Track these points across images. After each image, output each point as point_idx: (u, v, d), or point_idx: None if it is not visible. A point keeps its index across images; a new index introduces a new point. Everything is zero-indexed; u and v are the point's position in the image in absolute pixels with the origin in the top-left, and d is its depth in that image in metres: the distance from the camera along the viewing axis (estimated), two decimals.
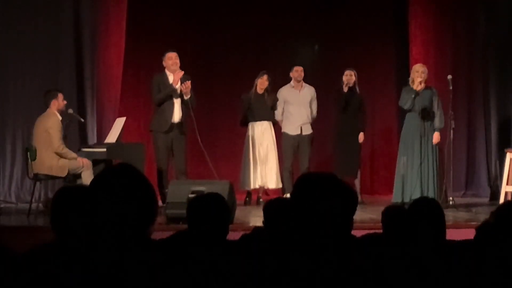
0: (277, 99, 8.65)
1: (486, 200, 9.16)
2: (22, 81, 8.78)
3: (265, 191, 8.85)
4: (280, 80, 8.97)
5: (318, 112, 8.75)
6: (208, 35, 10.12)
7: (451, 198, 8.04)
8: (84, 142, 8.66)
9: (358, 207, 2.61)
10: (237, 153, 8.90)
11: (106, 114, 9.09)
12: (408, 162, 7.84)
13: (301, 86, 8.67)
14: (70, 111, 7.84)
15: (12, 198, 8.67)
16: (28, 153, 7.43)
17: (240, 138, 8.82)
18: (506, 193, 8.25)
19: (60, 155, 7.33)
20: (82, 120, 8.40)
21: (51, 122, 7.35)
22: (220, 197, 3.26)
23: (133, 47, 9.60)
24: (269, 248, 2.72)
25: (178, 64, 7.81)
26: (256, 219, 6.89)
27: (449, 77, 8.11)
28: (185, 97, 7.78)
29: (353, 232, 2.60)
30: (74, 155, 7.41)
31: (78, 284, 2.05)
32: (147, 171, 8.05)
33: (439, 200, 7.35)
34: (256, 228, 3.74)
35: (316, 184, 2.45)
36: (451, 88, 8.01)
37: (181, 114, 7.85)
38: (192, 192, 6.42)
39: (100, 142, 8.40)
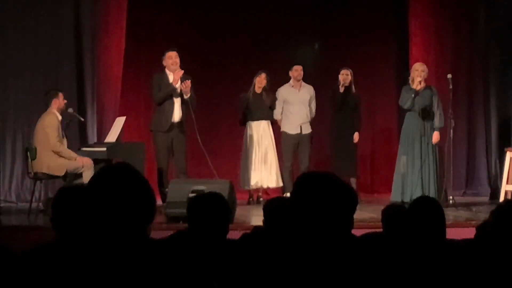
0: (275, 98, 8.65)
1: (486, 199, 9.17)
2: (22, 81, 8.78)
3: (265, 190, 8.85)
4: (279, 79, 8.96)
5: (317, 111, 8.76)
6: (208, 34, 10.12)
7: (451, 197, 8.04)
8: (84, 141, 8.66)
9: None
10: (237, 152, 8.91)
11: (106, 114, 9.09)
12: (409, 161, 7.84)
13: (300, 86, 8.68)
14: (70, 110, 7.84)
15: (12, 198, 8.67)
16: (28, 152, 7.43)
17: (240, 137, 8.83)
18: (506, 192, 8.27)
19: (57, 154, 7.32)
20: (82, 119, 8.40)
21: (47, 120, 7.35)
22: (220, 197, 3.26)
23: (133, 46, 9.60)
24: (269, 248, 2.72)
25: (178, 63, 7.80)
26: (257, 218, 6.89)
27: (449, 76, 8.11)
28: (185, 96, 7.77)
29: (353, 231, 2.60)
30: (73, 154, 7.40)
31: (77, 283, 2.05)
32: (147, 170, 8.05)
33: (439, 199, 7.35)
34: (257, 228, 3.74)
35: (316, 183, 2.45)
36: (451, 87, 8.01)
37: (181, 114, 7.85)
38: (192, 192, 6.43)
39: (100, 142, 8.40)
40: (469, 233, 3.25)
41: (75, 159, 7.37)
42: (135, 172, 2.21)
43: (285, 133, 8.63)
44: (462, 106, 9.49)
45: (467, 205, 8.23)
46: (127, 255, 2.09)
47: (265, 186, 8.65)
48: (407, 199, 7.64)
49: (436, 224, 3.05)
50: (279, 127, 8.77)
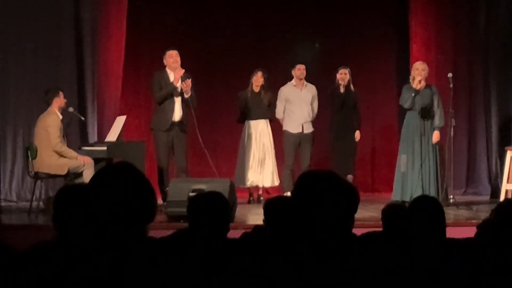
0: (273, 96, 8.65)
1: (486, 198, 9.16)
2: (22, 80, 8.78)
3: (266, 189, 8.85)
4: (280, 78, 8.97)
5: (318, 110, 8.75)
6: (208, 33, 10.11)
7: (451, 196, 8.04)
8: (84, 140, 8.66)
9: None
10: (237, 151, 8.90)
11: (107, 113, 9.09)
12: (409, 160, 7.83)
13: (303, 85, 8.67)
14: (71, 109, 7.85)
15: (12, 197, 8.67)
16: (29, 151, 7.43)
17: (240, 136, 8.82)
18: (506, 191, 8.26)
19: (59, 154, 7.33)
20: (83, 118, 8.40)
21: (49, 120, 7.35)
22: (221, 195, 3.26)
23: (134, 45, 9.60)
24: (270, 247, 2.73)
25: (179, 62, 7.80)
26: (257, 217, 6.89)
27: (450, 75, 8.10)
28: (186, 95, 7.77)
29: (354, 231, 2.59)
30: (74, 153, 7.40)
31: (77, 282, 2.05)
32: (148, 169, 8.05)
33: (440, 199, 7.35)
34: (257, 227, 3.74)
35: (317, 182, 2.44)
36: (451, 86, 8.00)
37: (181, 113, 7.85)
38: (193, 191, 6.43)
39: (100, 141, 8.40)
40: (469, 232, 3.25)
41: (76, 158, 7.37)
42: (136, 171, 2.21)
43: (287, 132, 8.63)
44: (463, 105, 9.49)
45: (468, 204, 8.22)
46: (128, 254, 2.09)
47: (260, 185, 8.65)
48: (407, 198, 7.65)
49: (436, 223, 3.05)
50: (279, 126, 8.76)
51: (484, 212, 7.16)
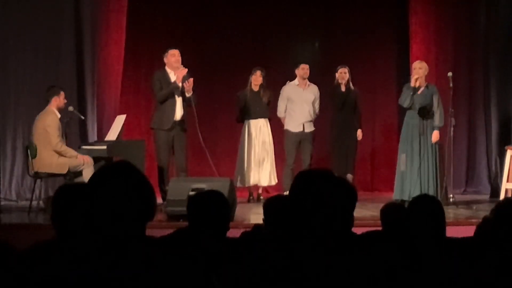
0: (272, 94, 8.65)
1: (486, 197, 9.16)
2: (22, 79, 8.78)
3: (265, 188, 8.85)
4: (280, 77, 8.97)
5: (318, 110, 8.75)
6: (208, 33, 10.11)
7: (451, 195, 8.05)
8: (84, 139, 8.66)
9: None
10: (237, 151, 8.90)
11: (107, 112, 9.09)
12: (408, 160, 7.83)
13: (306, 84, 8.66)
14: (71, 108, 7.85)
15: (12, 196, 8.67)
16: (29, 150, 7.43)
17: (240, 136, 8.82)
18: (506, 190, 8.27)
19: (59, 153, 7.33)
20: (83, 117, 8.40)
21: (48, 120, 7.34)
22: (220, 195, 3.26)
23: (134, 44, 9.61)
24: (270, 246, 2.72)
25: (180, 61, 7.80)
26: (257, 216, 6.89)
27: (450, 74, 8.10)
28: (187, 95, 7.78)
29: (353, 230, 2.59)
30: (74, 153, 7.40)
31: (77, 281, 2.05)
32: (147, 168, 8.05)
33: (440, 198, 7.35)
34: (257, 226, 3.74)
35: (315, 181, 2.44)
36: (451, 85, 8.00)
37: (182, 112, 7.86)
38: (193, 190, 6.43)
39: (100, 140, 8.41)
40: (469, 231, 3.26)
41: (76, 157, 7.37)
42: (136, 170, 2.21)
43: (288, 131, 8.63)
44: (463, 104, 9.49)
45: (468, 203, 8.23)
46: (127, 253, 2.09)
47: (259, 184, 8.65)
48: (405, 198, 7.66)
49: (436, 222, 3.05)
50: (279, 125, 8.76)
51: (484, 211, 7.16)
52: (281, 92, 8.68)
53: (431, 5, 9.79)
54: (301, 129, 8.57)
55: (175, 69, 7.79)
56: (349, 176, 8.59)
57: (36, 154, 7.33)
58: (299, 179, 2.48)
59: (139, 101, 9.89)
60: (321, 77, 9.02)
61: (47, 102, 7.48)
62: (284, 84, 8.77)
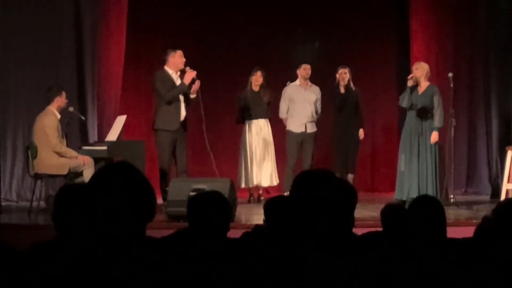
0: (273, 95, 8.65)
1: (487, 197, 9.16)
2: (22, 79, 8.77)
3: (266, 189, 8.85)
4: (280, 77, 8.97)
5: (320, 111, 8.75)
6: (209, 32, 10.12)
7: (452, 196, 8.04)
8: (84, 140, 8.65)
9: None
10: (237, 151, 8.90)
11: (107, 112, 9.09)
12: (407, 160, 7.84)
13: (307, 85, 8.66)
14: (71, 109, 7.84)
15: (13, 196, 8.67)
16: (29, 151, 7.43)
17: (241, 136, 8.82)
18: (507, 190, 8.26)
19: (59, 154, 7.32)
20: (83, 118, 8.39)
21: (47, 121, 7.33)
22: (221, 195, 3.26)
23: (134, 44, 9.60)
24: (270, 246, 2.72)
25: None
26: (257, 217, 6.89)
27: (450, 74, 8.10)
28: (192, 96, 7.79)
29: (354, 230, 2.59)
30: (74, 153, 7.40)
31: (76, 281, 2.05)
32: (148, 169, 8.04)
33: (440, 198, 7.35)
34: (257, 226, 3.74)
35: (315, 181, 2.44)
36: (452, 85, 8.00)
37: (185, 113, 7.87)
38: (193, 190, 6.42)
39: (100, 140, 8.40)
40: (470, 232, 3.24)
41: (77, 158, 7.37)
42: (136, 170, 2.21)
43: (290, 131, 8.63)
44: (463, 104, 9.49)
45: (468, 204, 8.23)
46: (127, 254, 2.09)
47: (260, 184, 8.65)
48: (404, 198, 7.71)
49: (437, 223, 3.05)
50: (280, 126, 8.76)
51: (484, 212, 7.14)
52: (282, 93, 8.68)
53: (431, 6, 9.79)
54: (303, 130, 8.57)
55: (177, 70, 7.79)
56: (350, 176, 8.60)
57: (36, 155, 7.33)
58: (300, 180, 2.48)
59: (139, 102, 9.89)
60: (321, 78, 9.02)
61: (48, 102, 7.47)
62: (285, 84, 8.77)
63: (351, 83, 8.69)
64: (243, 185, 8.53)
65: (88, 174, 7.20)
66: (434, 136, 7.79)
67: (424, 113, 7.82)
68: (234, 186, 6.80)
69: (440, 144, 7.94)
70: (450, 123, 7.97)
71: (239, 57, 9.96)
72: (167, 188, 7.25)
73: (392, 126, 10.13)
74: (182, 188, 6.68)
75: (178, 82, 7.83)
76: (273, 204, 3.50)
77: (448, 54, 9.67)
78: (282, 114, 8.69)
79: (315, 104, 8.64)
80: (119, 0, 9.20)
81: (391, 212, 3.72)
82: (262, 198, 8.56)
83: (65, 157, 7.33)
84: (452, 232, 3.21)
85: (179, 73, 7.87)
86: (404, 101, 7.84)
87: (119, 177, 2.16)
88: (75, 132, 8.58)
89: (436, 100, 7.85)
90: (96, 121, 8.99)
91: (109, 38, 9.15)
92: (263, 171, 8.59)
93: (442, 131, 7.95)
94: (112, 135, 7.92)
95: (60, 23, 8.91)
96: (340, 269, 2.33)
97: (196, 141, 7.89)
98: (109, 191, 2.13)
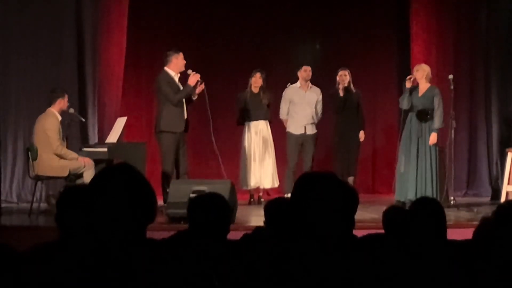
0: (272, 97, 8.66)
1: (487, 199, 9.16)
2: (23, 80, 8.77)
3: (266, 191, 8.85)
4: (280, 79, 8.97)
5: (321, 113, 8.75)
6: (209, 34, 10.13)
7: (452, 198, 8.05)
8: (85, 141, 8.66)
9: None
10: (238, 153, 8.90)
11: (107, 114, 9.09)
12: (406, 162, 7.85)
13: (308, 87, 8.66)
14: (71, 110, 7.84)
15: (13, 198, 8.66)
16: (29, 152, 7.43)
17: (241, 137, 8.82)
18: (507, 192, 8.26)
19: (60, 156, 7.32)
20: (83, 119, 8.39)
21: (48, 123, 7.33)
22: (221, 197, 3.26)
23: (134, 45, 9.61)
24: (271, 248, 2.72)
25: None
26: (257, 218, 6.89)
27: (451, 76, 8.11)
28: (194, 98, 7.81)
29: (354, 232, 2.59)
30: (74, 155, 7.40)
31: (77, 283, 2.05)
32: (148, 170, 8.04)
33: (440, 200, 7.35)
34: (258, 228, 3.74)
35: (316, 183, 2.44)
36: (452, 87, 8.01)
37: (186, 115, 7.88)
38: (194, 192, 6.42)
39: (101, 142, 8.40)
40: (470, 233, 3.25)
41: (77, 159, 7.37)
42: (136, 172, 2.21)
43: (290, 133, 8.63)
44: (463, 106, 9.49)
45: (468, 206, 8.22)
46: (128, 255, 2.09)
47: (261, 186, 8.66)
48: (402, 199, 7.72)
49: (437, 225, 3.05)
50: (280, 127, 8.76)
51: (484, 214, 7.15)
52: (283, 94, 8.69)
53: (432, 7, 9.80)
54: (303, 131, 8.57)
55: (178, 72, 7.79)
56: (350, 179, 8.59)
57: (36, 156, 7.33)
58: (301, 182, 2.48)
59: (140, 103, 9.89)
60: (322, 79, 9.02)
61: (49, 103, 7.47)
62: (285, 86, 8.77)
63: (352, 85, 8.69)
64: (243, 187, 8.53)
65: (88, 176, 7.20)
66: (433, 138, 7.78)
67: (424, 115, 7.81)
68: (234, 188, 6.80)
69: (440, 146, 7.95)
70: (451, 125, 7.97)
71: (239, 59, 9.97)
72: (168, 190, 7.25)
73: (393, 128, 10.13)
74: (182, 190, 6.68)
75: (179, 84, 7.84)
76: (274, 205, 3.50)
77: (448, 56, 9.67)
78: (283, 115, 8.70)
79: (315, 106, 8.64)
80: (120, 2, 9.21)
81: (393, 214, 3.71)
82: (262, 200, 8.56)
83: (66, 159, 7.33)
84: (453, 234, 3.21)
85: (179, 75, 7.87)
86: (404, 103, 7.85)
87: (120, 179, 2.16)
88: (75, 134, 8.58)
89: (437, 101, 7.84)
90: (97, 122, 8.99)
91: (109, 40, 9.15)
92: (263, 172, 8.60)
93: (442, 133, 7.95)
94: (113, 137, 7.92)
95: (60, 24, 8.91)
96: (341, 271, 2.33)
97: (195, 142, 7.89)
98: (109, 193, 2.13)
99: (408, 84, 7.82)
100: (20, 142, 8.68)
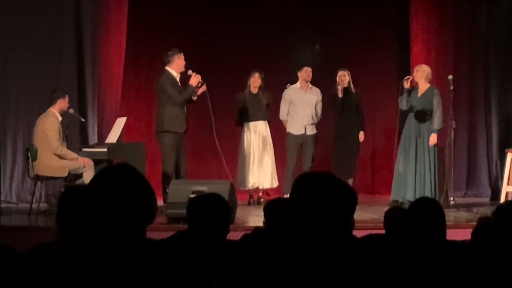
0: (272, 97, 8.66)
1: (487, 200, 9.17)
2: (23, 81, 8.77)
3: (266, 191, 8.85)
4: (280, 79, 8.97)
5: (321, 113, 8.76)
6: (209, 33, 10.13)
7: (452, 198, 8.05)
8: (85, 142, 8.66)
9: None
10: (237, 153, 8.90)
11: (107, 114, 9.09)
12: (405, 162, 7.85)
13: (308, 87, 8.66)
14: (71, 111, 7.84)
15: (13, 198, 8.66)
16: (29, 153, 7.43)
17: (240, 138, 8.82)
18: (507, 193, 8.26)
19: (60, 156, 7.32)
20: (83, 120, 8.39)
21: (48, 123, 7.33)
22: (220, 197, 3.26)
23: (134, 46, 9.61)
24: (270, 248, 2.72)
25: None
26: (257, 219, 6.89)
27: (450, 77, 8.11)
28: (194, 98, 7.81)
29: (354, 232, 2.59)
30: (74, 155, 7.40)
31: (77, 283, 2.05)
32: (148, 170, 8.04)
33: (440, 200, 7.35)
34: (257, 228, 3.74)
35: (315, 183, 2.44)
36: (452, 88, 8.01)
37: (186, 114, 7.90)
38: (193, 192, 6.42)
39: (101, 142, 8.40)
40: (469, 234, 3.26)
41: (77, 159, 7.37)
42: (136, 172, 2.21)
43: (290, 134, 8.63)
44: (463, 107, 9.50)
45: (468, 206, 8.23)
46: (128, 255, 2.09)
47: (261, 187, 8.66)
48: (400, 199, 7.72)
49: (437, 225, 3.05)
50: (279, 128, 8.76)
51: (482, 214, 7.15)
52: (283, 95, 8.69)
53: (432, 8, 9.80)
54: (303, 132, 8.57)
55: (179, 72, 7.79)
56: (350, 181, 8.59)
57: (36, 157, 7.32)
58: (300, 182, 2.48)
59: (139, 104, 9.89)
60: (321, 80, 9.02)
61: (50, 103, 7.47)
62: (284, 86, 8.78)
63: (351, 85, 8.70)
64: (240, 187, 8.52)
65: (88, 176, 7.20)
66: (433, 138, 7.79)
67: (422, 115, 7.82)
68: (234, 188, 6.80)
69: (440, 146, 7.95)
70: (450, 125, 7.97)
71: (239, 59, 9.96)
72: (167, 190, 7.25)
73: (392, 128, 10.10)
74: (182, 190, 6.67)
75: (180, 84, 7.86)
76: (273, 206, 3.50)
77: (448, 57, 9.67)
78: (283, 116, 8.70)
79: (315, 106, 8.64)
80: (119, 2, 9.21)
81: (394, 215, 3.71)
82: (262, 200, 8.56)
83: (66, 159, 7.33)
84: (452, 234, 3.22)
85: (179, 75, 7.87)
86: (402, 103, 7.87)
87: (120, 179, 2.16)
88: (75, 134, 8.58)
89: (436, 102, 7.84)
90: (96, 123, 8.99)
91: (109, 40, 9.15)
92: (262, 173, 8.60)
93: (442, 134, 7.96)
94: (112, 137, 7.92)
95: (60, 24, 8.91)
96: (340, 271, 2.33)
97: (195, 142, 7.89)
98: (109, 193, 2.13)
99: (405, 85, 7.83)
100: (20, 142, 8.69)
